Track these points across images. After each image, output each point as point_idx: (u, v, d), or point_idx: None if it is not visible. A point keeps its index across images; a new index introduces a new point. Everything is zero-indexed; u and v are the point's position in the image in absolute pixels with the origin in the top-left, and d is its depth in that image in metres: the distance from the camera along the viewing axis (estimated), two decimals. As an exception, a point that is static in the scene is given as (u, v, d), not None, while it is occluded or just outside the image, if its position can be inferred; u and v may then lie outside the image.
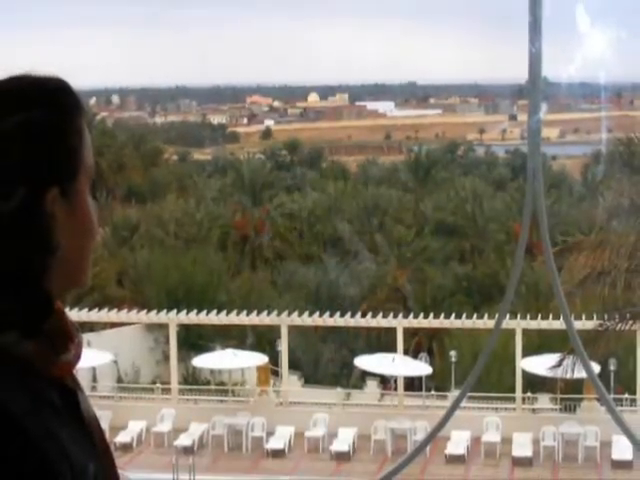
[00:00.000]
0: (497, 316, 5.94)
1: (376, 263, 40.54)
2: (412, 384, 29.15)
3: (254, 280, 39.58)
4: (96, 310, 29.84)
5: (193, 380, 30.41)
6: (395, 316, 29.08)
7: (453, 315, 29.25)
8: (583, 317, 22.17)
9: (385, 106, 67.20)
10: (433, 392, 28.17)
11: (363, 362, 28.44)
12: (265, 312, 29.72)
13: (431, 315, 29.42)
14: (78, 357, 1.71)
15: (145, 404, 28.09)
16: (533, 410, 27.36)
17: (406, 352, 29.14)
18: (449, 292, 37.68)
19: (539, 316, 27.32)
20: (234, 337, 31.85)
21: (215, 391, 29.24)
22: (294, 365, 30.55)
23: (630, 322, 21.04)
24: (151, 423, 26.58)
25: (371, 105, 67.68)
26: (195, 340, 31.62)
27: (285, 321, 28.87)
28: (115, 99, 64.86)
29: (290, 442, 26.01)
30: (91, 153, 1.76)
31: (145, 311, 30.36)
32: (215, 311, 29.64)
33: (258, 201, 47.31)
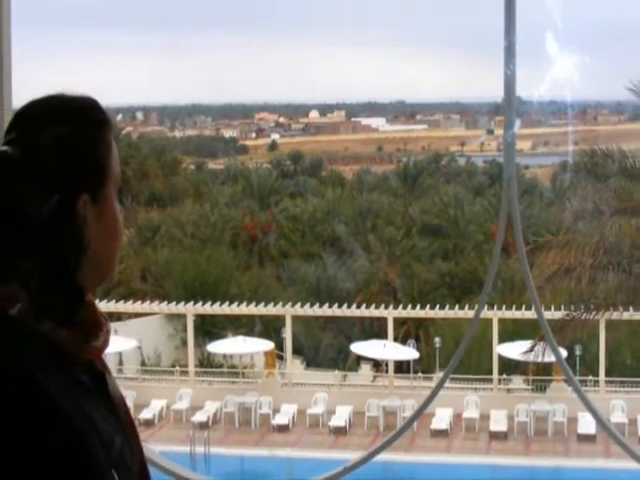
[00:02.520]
0: (476, 307, 5.94)
1: (369, 260, 40.49)
2: (401, 367, 29.14)
3: (261, 275, 39.55)
4: (122, 302, 29.85)
5: (208, 364, 30.40)
6: (386, 307, 29.07)
7: (437, 306, 29.24)
8: (552, 308, 22.15)
9: (377, 122, 67.10)
10: (420, 374, 28.16)
11: (358, 348, 28.43)
12: (271, 304, 29.71)
13: (418, 306, 29.41)
14: (106, 343, 1.72)
15: (165, 385, 28.09)
16: (508, 390, 27.34)
17: (396, 339, 29.14)
18: (434, 286, 37.64)
19: (513, 307, 27.30)
20: (244, 326, 31.84)
21: (227, 373, 29.24)
22: (297, 350, 30.54)
23: (594, 312, 21.04)
24: (171, 402, 26.57)
25: (365, 121, 67.56)
26: (210, 328, 31.60)
27: (289, 311, 28.86)
28: (139, 115, 64.73)
29: (294, 418, 26.00)
30: (118, 163, 1.76)
31: (165, 303, 30.36)
32: (227, 302, 29.63)
33: (265, 205, 47.20)
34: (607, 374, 26.66)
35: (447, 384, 23.06)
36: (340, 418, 25.62)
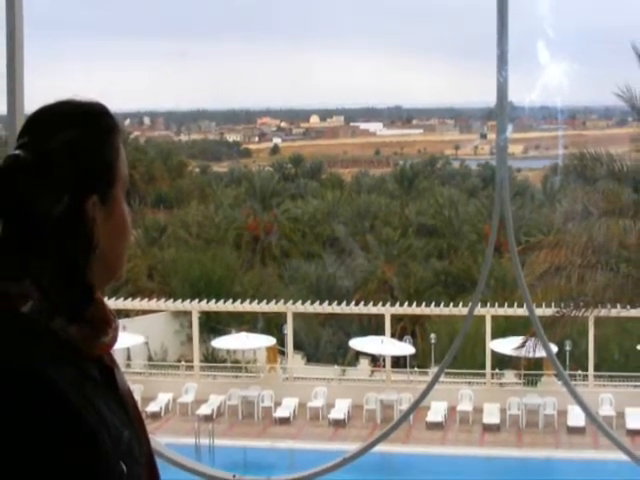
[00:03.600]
0: (470, 304, 5.93)
1: (367, 259, 40.48)
2: (398, 362, 29.14)
3: (264, 274, 39.55)
4: (130, 299, 29.84)
5: (212, 359, 30.40)
6: (383, 304, 29.05)
7: (433, 304, 29.22)
8: (543, 305, 22.13)
9: (375, 126, 67.09)
10: (416, 369, 28.15)
11: (356, 343, 28.41)
12: (273, 301, 29.70)
13: (414, 304, 29.39)
14: (115, 339, 1.72)
15: (172, 379, 28.09)
16: (500, 384, 27.34)
17: (393, 335, 29.13)
18: (429, 284, 37.63)
19: (505, 304, 27.29)
20: (247, 322, 31.84)
21: (231, 368, 29.23)
22: (298, 346, 30.54)
23: (583, 310, 21.04)
24: (177, 395, 26.58)
25: (363, 125, 67.55)
26: (214, 325, 31.61)
27: (290, 309, 28.86)
28: (146, 120, 64.68)
29: (295, 411, 26.00)
30: (126, 166, 1.76)
31: (171, 300, 30.35)
32: (231, 300, 29.62)
33: (267, 207, 47.19)
34: (596, 369, 26.66)
35: (442, 378, 23.06)
36: (339, 411, 25.62)
